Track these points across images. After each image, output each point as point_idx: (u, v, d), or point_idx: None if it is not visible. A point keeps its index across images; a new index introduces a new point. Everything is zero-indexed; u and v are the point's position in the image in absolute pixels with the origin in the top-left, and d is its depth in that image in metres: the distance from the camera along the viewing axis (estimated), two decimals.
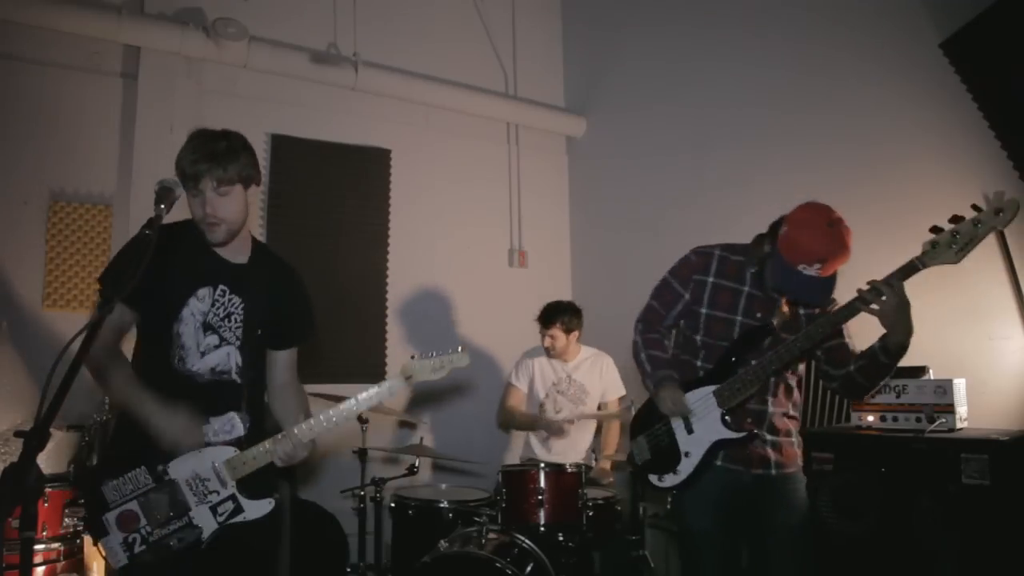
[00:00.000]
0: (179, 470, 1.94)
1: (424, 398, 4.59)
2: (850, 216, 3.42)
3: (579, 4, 5.52)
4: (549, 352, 3.93)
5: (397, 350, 4.54)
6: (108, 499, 1.90)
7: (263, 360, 2.17)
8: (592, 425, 3.99)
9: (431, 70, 4.77)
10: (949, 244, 1.94)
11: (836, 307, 2.15)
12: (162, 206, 1.86)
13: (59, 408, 1.58)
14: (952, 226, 1.94)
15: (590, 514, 3.00)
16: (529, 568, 2.78)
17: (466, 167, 4.97)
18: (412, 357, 2.06)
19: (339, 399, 3.36)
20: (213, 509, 1.95)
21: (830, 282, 2.13)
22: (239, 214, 2.01)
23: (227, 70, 4.10)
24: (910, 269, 1.99)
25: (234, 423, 2.04)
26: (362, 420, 3.34)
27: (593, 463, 3.78)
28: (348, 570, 3.38)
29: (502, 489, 3.04)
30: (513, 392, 4.03)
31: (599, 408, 3.94)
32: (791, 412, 2.36)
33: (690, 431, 2.31)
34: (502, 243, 5.11)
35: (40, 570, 2.80)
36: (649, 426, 2.43)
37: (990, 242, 2.95)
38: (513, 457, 4.39)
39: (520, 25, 5.31)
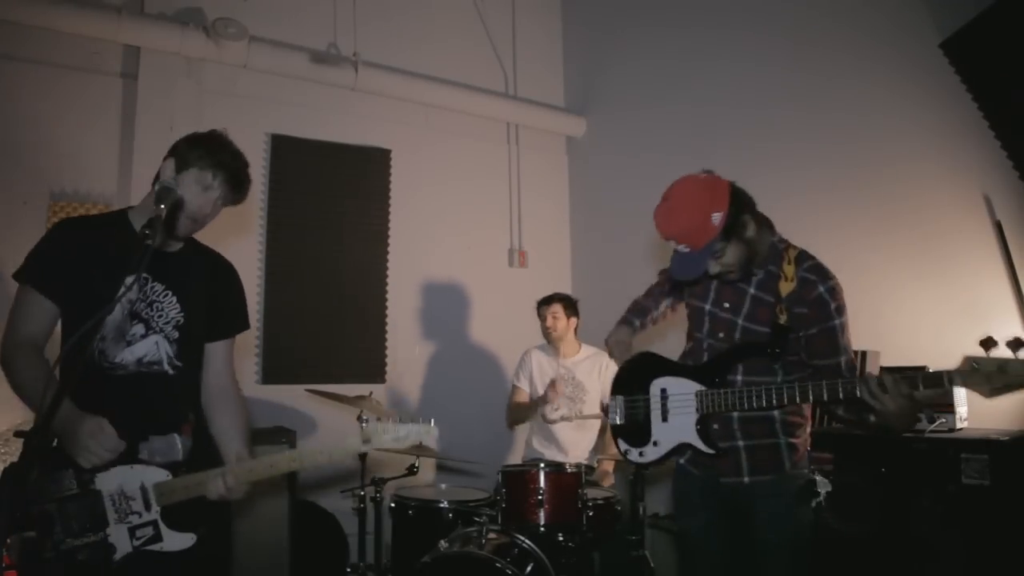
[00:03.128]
0: (106, 482, 1.82)
1: (425, 398, 4.60)
2: (850, 216, 3.45)
3: (579, 4, 5.52)
4: (550, 335, 3.91)
5: (397, 350, 4.54)
6: (27, 495, 1.77)
7: (198, 357, 2.07)
8: (595, 426, 3.99)
9: (431, 70, 4.77)
10: (988, 377, 1.67)
11: (841, 379, 1.94)
12: (162, 206, 1.84)
13: (59, 408, 1.58)
14: (1005, 357, 1.65)
15: (590, 514, 3.00)
16: (529, 568, 2.78)
17: (466, 167, 4.97)
18: (378, 419, 2.00)
19: (339, 399, 3.40)
20: (131, 531, 1.83)
21: (696, 257, 2.05)
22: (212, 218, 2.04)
23: (227, 70, 4.11)
24: (935, 381, 1.76)
25: (173, 445, 1.91)
26: (362, 420, 3.34)
27: (595, 465, 3.79)
28: (348, 570, 3.38)
29: (502, 489, 3.04)
30: (518, 393, 4.04)
31: (602, 407, 3.94)
32: (777, 414, 2.16)
33: (664, 419, 2.26)
34: (502, 243, 5.11)
35: None
36: (629, 391, 2.37)
37: (990, 241, 2.95)
38: (514, 457, 4.39)
39: (520, 25, 5.32)
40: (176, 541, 1.86)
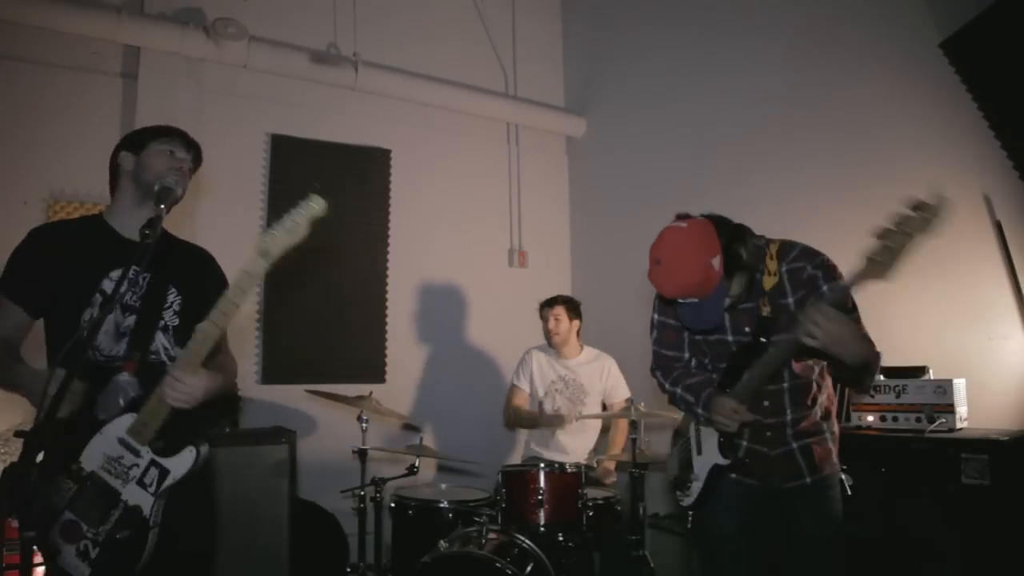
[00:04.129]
0: (91, 459, 1.84)
1: (425, 398, 4.60)
2: (849, 215, 3.44)
3: (579, 4, 5.51)
4: (553, 338, 3.91)
5: (397, 350, 4.54)
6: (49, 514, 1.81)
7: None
8: (595, 426, 3.99)
9: (431, 70, 4.77)
10: (881, 264, 1.72)
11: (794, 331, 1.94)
12: (162, 206, 1.86)
13: (59, 408, 1.58)
14: (883, 239, 1.70)
15: (590, 514, 3.00)
16: (529, 568, 2.78)
17: (466, 167, 4.97)
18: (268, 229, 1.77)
19: (339, 399, 3.40)
20: (141, 483, 1.84)
21: (709, 304, 2.00)
22: (186, 190, 2.02)
23: (227, 70, 4.11)
24: (840, 290, 1.83)
25: (120, 388, 1.90)
26: (362, 420, 3.34)
27: (595, 464, 3.78)
28: (348, 570, 3.38)
29: (502, 489, 3.04)
30: (517, 393, 4.03)
31: (604, 410, 3.94)
32: (819, 407, 2.20)
33: (699, 452, 2.28)
34: (502, 243, 5.11)
35: (40, 570, 2.79)
36: (678, 440, 2.42)
37: (990, 241, 2.95)
38: (514, 457, 4.39)
39: (520, 25, 5.31)
40: (180, 463, 1.86)
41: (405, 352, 4.59)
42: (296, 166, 4.30)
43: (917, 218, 1.67)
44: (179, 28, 3.87)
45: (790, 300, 2.10)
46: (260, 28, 4.12)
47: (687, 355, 2.34)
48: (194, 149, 2.08)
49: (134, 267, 1.88)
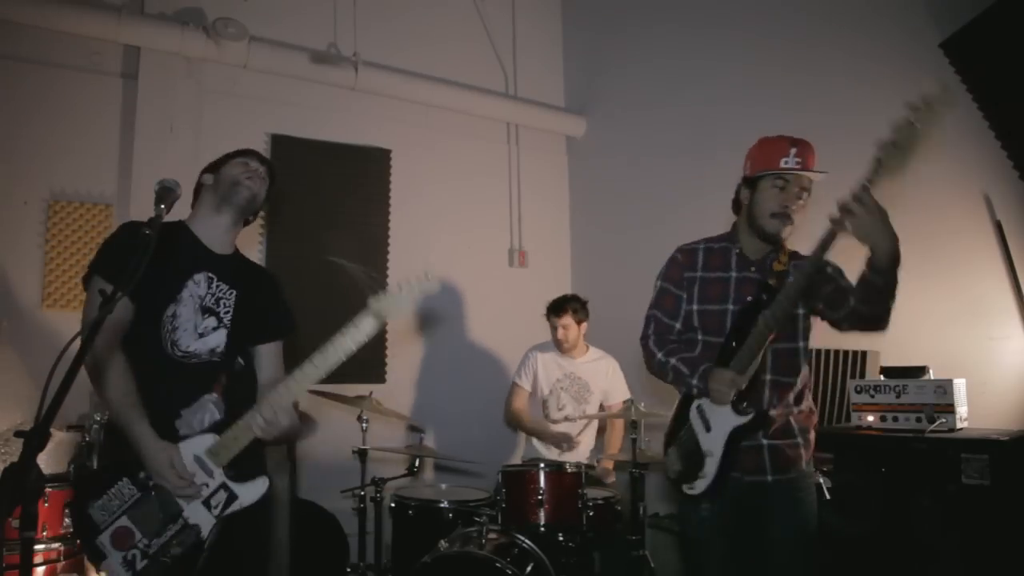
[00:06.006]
0: None
1: (425, 398, 4.60)
2: None
3: (579, 4, 5.52)
4: (562, 345, 3.91)
5: (397, 350, 4.54)
6: (97, 520, 1.82)
7: (247, 350, 2.14)
8: (594, 425, 3.99)
9: (431, 70, 4.77)
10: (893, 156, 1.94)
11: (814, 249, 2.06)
12: (162, 206, 1.86)
13: (59, 408, 1.58)
14: (891, 137, 1.93)
15: (590, 514, 3.00)
16: (529, 568, 2.78)
17: (466, 167, 4.97)
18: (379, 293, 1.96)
19: (339, 399, 3.39)
20: (206, 503, 1.86)
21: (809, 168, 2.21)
22: (263, 195, 2.20)
23: (227, 70, 4.11)
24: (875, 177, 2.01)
25: (207, 408, 1.95)
26: (362, 420, 3.34)
27: (596, 463, 3.79)
28: (348, 570, 3.38)
29: (502, 489, 3.04)
30: (518, 392, 4.02)
31: (601, 409, 3.94)
32: (795, 411, 2.24)
33: (708, 428, 2.22)
34: (502, 243, 5.11)
35: (40, 570, 2.80)
36: (675, 435, 2.35)
37: (990, 241, 2.95)
38: (514, 457, 4.39)
39: (520, 25, 5.32)
40: (251, 491, 1.91)
41: (405, 352, 4.59)
42: (296, 166, 4.30)
43: (923, 113, 1.85)
44: (179, 28, 3.87)
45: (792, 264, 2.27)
46: (260, 28, 4.12)
47: (679, 326, 2.37)
48: (267, 164, 2.24)
49: (209, 273, 2.03)
